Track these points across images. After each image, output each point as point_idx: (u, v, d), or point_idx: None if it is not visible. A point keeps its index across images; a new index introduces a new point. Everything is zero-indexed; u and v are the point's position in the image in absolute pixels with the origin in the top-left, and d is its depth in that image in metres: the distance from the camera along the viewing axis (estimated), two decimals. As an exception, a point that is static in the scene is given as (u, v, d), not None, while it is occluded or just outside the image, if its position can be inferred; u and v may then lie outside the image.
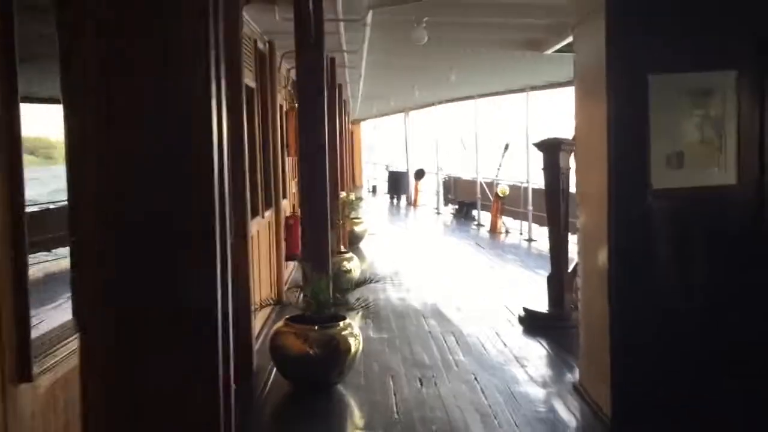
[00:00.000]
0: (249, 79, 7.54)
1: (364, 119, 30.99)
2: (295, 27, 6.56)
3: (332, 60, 11.49)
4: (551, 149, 7.89)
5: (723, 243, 4.58)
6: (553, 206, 7.94)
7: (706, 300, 4.57)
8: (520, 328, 7.53)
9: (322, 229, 6.78)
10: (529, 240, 15.34)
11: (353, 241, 13.85)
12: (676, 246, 4.65)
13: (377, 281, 7.07)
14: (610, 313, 4.61)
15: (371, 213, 19.44)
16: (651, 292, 4.54)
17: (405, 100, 21.09)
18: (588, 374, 5.35)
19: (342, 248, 13.05)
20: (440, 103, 20.55)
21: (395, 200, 25.31)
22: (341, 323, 5.59)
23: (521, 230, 16.76)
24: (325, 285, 5.81)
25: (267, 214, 8.75)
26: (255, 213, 7.45)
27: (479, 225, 18.18)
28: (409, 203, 24.32)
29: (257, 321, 6.86)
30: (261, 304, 6.51)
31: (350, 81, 16.24)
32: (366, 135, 32.44)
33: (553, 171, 7.92)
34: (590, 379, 5.27)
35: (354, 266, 9.97)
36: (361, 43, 9.27)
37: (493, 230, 16.75)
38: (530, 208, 15.39)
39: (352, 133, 29.86)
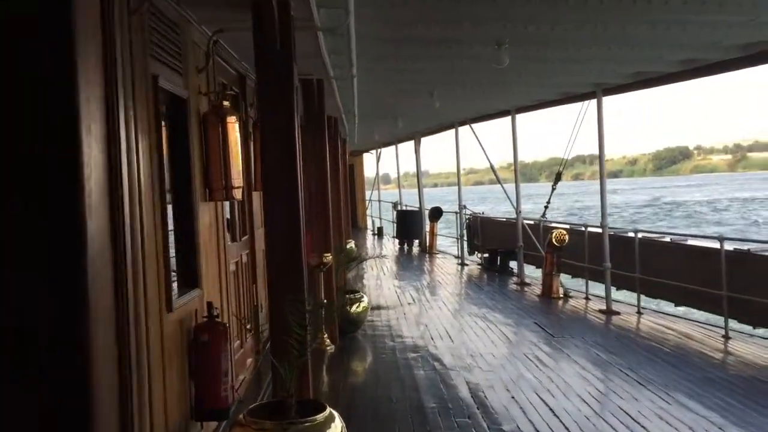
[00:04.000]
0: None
1: (365, 150, 25.76)
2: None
3: (319, 83, 8.09)
4: None
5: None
6: None
7: None
8: None
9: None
10: (608, 312, 9.93)
11: (348, 329, 8.51)
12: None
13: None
14: None
15: (374, 270, 14.08)
16: None
17: (414, 122, 15.87)
18: None
19: (327, 342, 7.76)
20: (462, 123, 15.28)
21: (406, 246, 19.90)
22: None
23: (587, 294, 11.35)
24: None
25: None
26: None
27: (522, 284, 12.76)
28: (423, 250, 18.91)
29: None
30: None
31: (343, 110, 11.17)
32: (370, 167, 26.78)
33: None
34: None
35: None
36: (347, 63, 6.94)
37: (547, 294, 11.35)
38: (607, 263, 10.01)
39: (350, 166, 24.68)
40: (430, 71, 8.85)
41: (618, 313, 9.86)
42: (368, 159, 30.61)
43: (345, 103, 10.79)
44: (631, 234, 10.17)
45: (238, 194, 5.52)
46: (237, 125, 5.40)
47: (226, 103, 5.35)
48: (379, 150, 24.96)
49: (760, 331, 8.40)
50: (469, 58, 7.96)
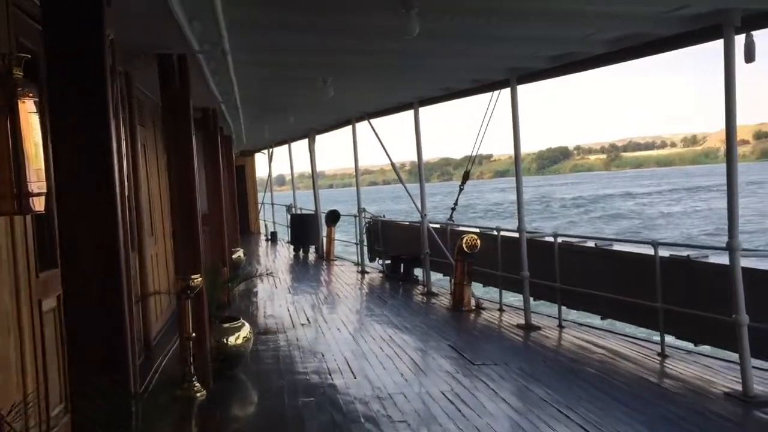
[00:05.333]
0: None
1: (257, 150, 23.70)
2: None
3: (181, 60, 6.15)
4: None
5: None
6: None
7: None
8: None
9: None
10: (527, 327, 8.65)
11: (225, 366, 6.73)
12: None
13: None
14: None
15: (264, 282, 12.27)
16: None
17: (307, 117, 14.16)
18: None
19: (196, 388, 6.02)
20: (360, 119, 13.72)
21: (301, 252, 18.11)
22: None
23: (501, 305, 10.07)
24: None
25: None
26: None
27: (429, 294, 11.36)
28: (320, 257, 17.19)
29: None
30: None
31: (222, 100, 9.32)
32: (263, 167, 24.51)
33: None
34: None
35: None
36: (216, 34, 5.31)
37: (458, 305, 9.99)
38: (526, 272, 8.73)
39: (240, 167, 22.59)
40: (323, 50, 7.23)
41: (538, 328, 8.60)
42: (261, 159, 28.67)
43: (223, 91, 8.97)
44: (550, 238, 8.96)
45: (39, 204, 3.67)
46: (35, 104, 3.56)
47: (18, 72, 3.50)
48: (271, 149, 22.99)
49: (703, 348, 7.34)
50: (370, 30, 6.40)
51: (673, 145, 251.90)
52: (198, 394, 6.01)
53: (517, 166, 8.89)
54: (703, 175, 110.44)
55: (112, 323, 3.13)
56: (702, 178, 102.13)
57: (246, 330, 6.96)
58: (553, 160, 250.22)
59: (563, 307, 8.82)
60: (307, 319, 9.38)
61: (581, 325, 8.92)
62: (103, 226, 3.03)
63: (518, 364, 7.01)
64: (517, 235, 9.34)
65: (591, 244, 8.70)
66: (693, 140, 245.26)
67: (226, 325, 6.87)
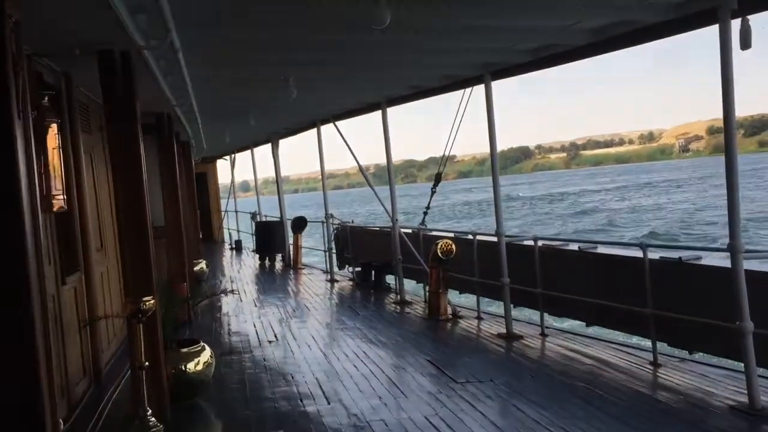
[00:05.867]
0: None
1: (219, 156, 22.82)
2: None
3: (125, 57, 5.42)
4: None
5: None
6: None
7: None
8: None
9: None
10: (509, 337, 8.13)
11: (185, 395, 6.03)
12: None
13: None
14: None
15: (229, 295, 11.54)
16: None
17: (270, 120, 13.46)
18: None
19: (151, 422, 5.34)
20: (325, 121, 13.05)
21: (267, 261, 17.36)
22: None
23: (479, 312, 9.52)
24: None
25: None
26: None
27: (402, 302, 10.76)
28: (287, 265, 16.45)
29: None
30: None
31: (176, 103, 8.62)
32: (226, 174, 23.50)
33: None
34: None
35: None
36: (162, 27, 4.61)
37: (434, 314, 9.43)
38: (506, 278, 8.19)
39: (201, 174, 21.70)
40: (284, 46, 6.58)
41: (520, 337, 8.08)
42: (223, 166, 27.79)
43: (177, 94, 8.25)
44: (530, 242, 8.44)
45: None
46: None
47: None
48: (233, 155, 22.15)
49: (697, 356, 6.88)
50: (337, 22, 5.78)
51: (631, 142, 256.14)
52: (153, 430, 5.31)
53: (493, 167, 8.35)
54: (653, 172, 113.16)
55: (20, 367, 2.46)
56: (654, 174, 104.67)
57: (206, 354, 6.27)
58: (515, 159, 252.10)
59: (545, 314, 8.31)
60: (275, 336, 8.70)
61: (564, 332, 8.42)
62: (6, 246, 2.36)
63: (503, 379, 6.45)
64: (494, 239, 8.83)
65: (574, 247, 8.20)
66: (650, 137, 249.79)
67: (184, 350, 6.17)
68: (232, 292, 10.41)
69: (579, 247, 7.91)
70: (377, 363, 7.20)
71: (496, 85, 7.98)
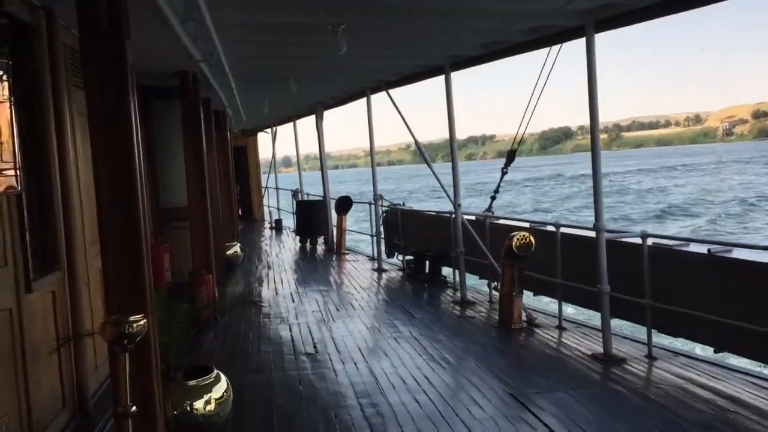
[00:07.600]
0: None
1: (260, 129, 21.13)
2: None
3: None
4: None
5: None
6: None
7: None
8: None
9: None
10: (607, 359, 6.23)
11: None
12: None
13: None
14: None
15: (266, 282, 9.86)
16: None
17: (313, 87, 11.67)
18: None
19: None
20: (376, 90, 11.18)
21: (308, 245, 15.67)
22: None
23: (560, 321, 7.63)
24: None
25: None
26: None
27: (463, 302, 8.93)
28: (330, 249, 14.72)
29: None
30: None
31: (206, 64, 6.91)
32: (267, 148, 21.64)
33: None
34: None
35: None
36: None
37: (505, 321, 7.58)
38: (605, 285, 6.28)
39: (240, 148, 20.09)
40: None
41: (622, 360, 6.18)
42: (264, 140, 26.17)
43: (201, 47, 6.52)
44: (636, 239, 6.49)
45: None
46: None
47: None
48: (274, 128, 20.43)
49: None
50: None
51: (677, 124, 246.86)
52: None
53: (594, 142, 6.40)
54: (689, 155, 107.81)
55: None
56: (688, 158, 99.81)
57: (221, 387, 4.56)
58: (555, 140, 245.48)
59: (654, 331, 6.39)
60: (314, 346, 6.97)
61: (676, 354, 6.48)
62: None
63: (604, 421, 4.61)
64: (582, 232, 6.91)
65: (697, 248, 6.22)
66: (696, 119, 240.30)
67: (191, 382, 4.46)
68: (260, 303, 8.76)
69: (709, 250, 5.89)
70: (443, 394, 5.40)
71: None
